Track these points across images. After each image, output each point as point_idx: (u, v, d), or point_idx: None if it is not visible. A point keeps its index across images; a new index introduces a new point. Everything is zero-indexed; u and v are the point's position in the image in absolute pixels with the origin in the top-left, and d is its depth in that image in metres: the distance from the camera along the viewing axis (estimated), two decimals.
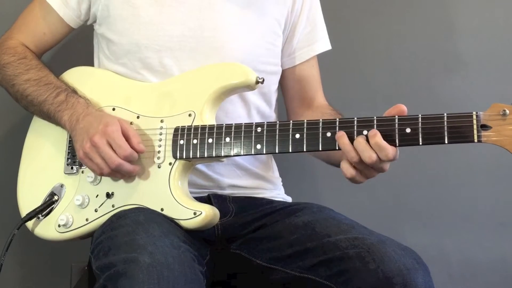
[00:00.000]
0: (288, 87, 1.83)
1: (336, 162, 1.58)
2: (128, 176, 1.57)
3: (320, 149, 1.48)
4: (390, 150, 1.40)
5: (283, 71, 1.81)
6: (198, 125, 1.56)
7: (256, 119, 1.73)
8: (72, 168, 1.66)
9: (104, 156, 1.53)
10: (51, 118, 1.66)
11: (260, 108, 1.74)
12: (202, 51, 1.66)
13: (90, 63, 1.79)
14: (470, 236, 2.24)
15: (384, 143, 1.40)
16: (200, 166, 1.65)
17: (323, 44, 1.83)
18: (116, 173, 1.56)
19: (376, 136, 1.41)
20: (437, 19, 2.20)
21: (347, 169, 1.45)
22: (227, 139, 1.54)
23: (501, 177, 2.21)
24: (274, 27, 1.73)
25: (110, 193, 1.60)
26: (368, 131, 1.43)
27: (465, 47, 2.19)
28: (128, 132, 1.56)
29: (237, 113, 1.69)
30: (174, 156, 1.56)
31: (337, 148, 1.46)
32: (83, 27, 1.80)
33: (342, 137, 1.44)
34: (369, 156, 1.41)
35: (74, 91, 1.67)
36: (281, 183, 1.84)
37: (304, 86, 1.82)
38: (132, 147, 1.54)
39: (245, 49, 1.68)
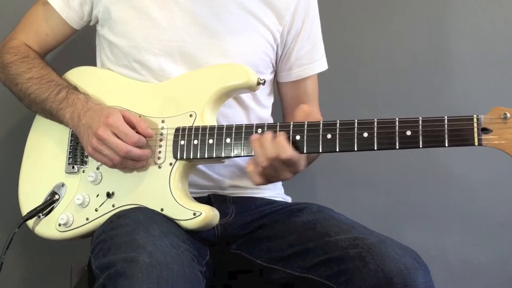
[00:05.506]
0: (285, 98, 1.83)
1: None
2: (140, 164, 1.56)
3: (321, 150, 1.47)
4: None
5: (282, 83, 1.82)
6: (199, 126, 1.56)
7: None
8: (73, 167, 1.66)
9: (111, 146, 1.53)
10: (53, 115, 1.66)
11: (257, 112, 1.75)
12: (201, 57, 1.66)
13: (93, 63, 1.79)
14: (470, 236, 2.24)
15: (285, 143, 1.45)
16: (200, 167, 1.65)
17: (322, 64, 1.83)
18: (127, 161, 1.55)
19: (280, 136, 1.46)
20: (438, 20, 2.20)
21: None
22: (228, 140, 1.54)
23: (501, 177, 2.21)
24: (269, 39, 1.73)
25: (111, 192, 1.60)
26: (368, 133, 1.43)
27: (466, 48, 2.19)
28: (131, 119, 1.56)
29: (237, 118, 1.69)
30: (175, 157, 1.56)
31: (337, 150, 1.46)
32: (87, 28, 1.80)
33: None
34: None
35: (75, 88, 1.67)
36: (281, 183, 1.84)
37: (301, 100, 1.81)
38: (140, 133, 1.54)
39: (244, 58, 1.67)
